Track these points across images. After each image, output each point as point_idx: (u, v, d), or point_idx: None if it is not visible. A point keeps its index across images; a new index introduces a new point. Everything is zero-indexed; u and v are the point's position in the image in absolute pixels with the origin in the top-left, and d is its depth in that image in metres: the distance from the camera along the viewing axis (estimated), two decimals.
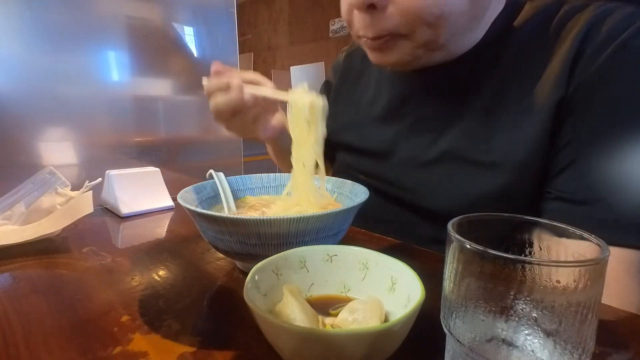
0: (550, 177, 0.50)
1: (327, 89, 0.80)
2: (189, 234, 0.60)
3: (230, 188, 0.55)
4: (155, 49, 1.08)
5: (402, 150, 0.61)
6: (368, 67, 0.71)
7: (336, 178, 0.55)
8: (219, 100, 0.55)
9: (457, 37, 0.53)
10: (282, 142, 0.71)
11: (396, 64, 0.56)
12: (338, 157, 0.74)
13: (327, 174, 0.54)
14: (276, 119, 0.62)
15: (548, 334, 0.21)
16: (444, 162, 0.57)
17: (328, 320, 0.31)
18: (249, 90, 0.55)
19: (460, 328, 0.23)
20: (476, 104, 0.55)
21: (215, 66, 0.56)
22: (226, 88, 0.55)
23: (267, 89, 0.56)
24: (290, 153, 0.49)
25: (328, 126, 0.49)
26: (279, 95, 0.53)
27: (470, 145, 0.54)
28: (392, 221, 0.62)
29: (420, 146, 0.59)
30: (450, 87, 0.58)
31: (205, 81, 0.58)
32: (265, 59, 5.12)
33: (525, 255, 0.20)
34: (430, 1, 0.47)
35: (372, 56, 0.57)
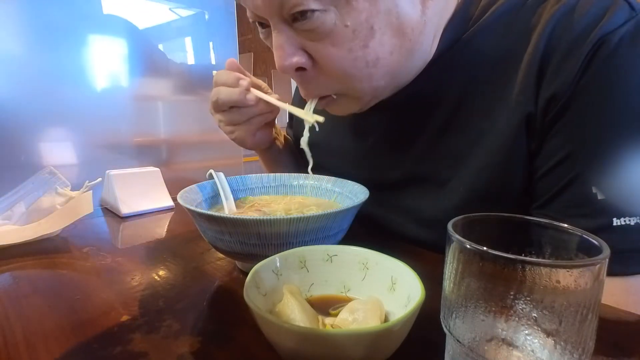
0: (542, 202, 0.44)
1: (291, 115, 0.80)
2: (189, 234, 0.60)
3: (230, 188, 0.55)
4: (155, 49, 1.08)
5: (367, 168, 0.59)
6: None
7: (336, 178, 0.55)
8: (222, 91, 0.57)
9: (400, 72, 0.48)
10: (272, 152, 0.74)
11: (347, 114, 0.54)
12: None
13: None
14: (270, 130, 0.66)
15: (548, 334, 0.21)
16: (409, 183, 0.54)
17: (328, 320, 0.31)
18: (256, 93, 0.57)
19: (460, 328, 0.23)
20: (437, 122, 0.51)
21: (230, 62, 0.58)
22: (232, 84, 0.56)
23: (272, 97, 0.57)
24: (278, 161, 0.53)
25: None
26: (282, 105, 0.57)
27: (436, 167, 0.51)
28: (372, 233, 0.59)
29: (385, 165, 0.57)
30: (408, 106, 0.53)
31: (215, 73, 0.61)
32: (265, 59, 5.11)
33: (525, 255, 0.20)
34: (352, 56, 0.43)
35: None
